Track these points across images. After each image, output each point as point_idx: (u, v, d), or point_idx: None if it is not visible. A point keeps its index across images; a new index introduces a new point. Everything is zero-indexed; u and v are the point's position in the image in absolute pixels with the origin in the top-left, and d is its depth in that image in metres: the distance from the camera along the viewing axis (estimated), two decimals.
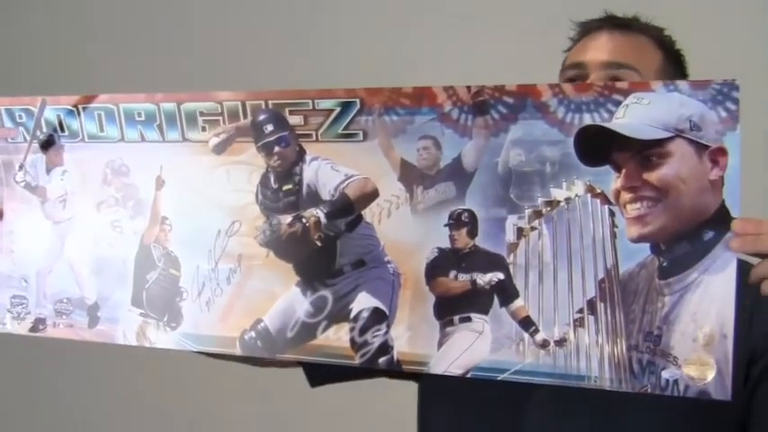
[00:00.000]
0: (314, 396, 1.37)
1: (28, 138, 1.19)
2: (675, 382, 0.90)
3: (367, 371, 1.22)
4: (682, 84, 0.90)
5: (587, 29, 1.19)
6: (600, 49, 1.14)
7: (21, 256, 1.23)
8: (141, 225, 1.15)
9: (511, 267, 0.97)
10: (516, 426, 1.11)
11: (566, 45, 1.21)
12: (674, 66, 1.17)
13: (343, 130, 1.02)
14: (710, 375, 0.88)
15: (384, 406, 1.86)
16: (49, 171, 1.20)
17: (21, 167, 1.21)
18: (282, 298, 1.07)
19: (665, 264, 0.91)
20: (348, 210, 1.03)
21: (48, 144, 1.18)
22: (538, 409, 1.10)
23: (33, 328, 1.22)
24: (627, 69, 1.10)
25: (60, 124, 1.17)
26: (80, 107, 1.15)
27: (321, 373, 1.29)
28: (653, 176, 0.90)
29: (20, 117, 1.19)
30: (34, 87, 1.25)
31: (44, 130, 1.18)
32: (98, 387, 2.56)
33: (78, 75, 2.40)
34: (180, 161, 1.11)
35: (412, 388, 1.27)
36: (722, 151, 0.88)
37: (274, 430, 2.35)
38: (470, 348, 0.97)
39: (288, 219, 1.05)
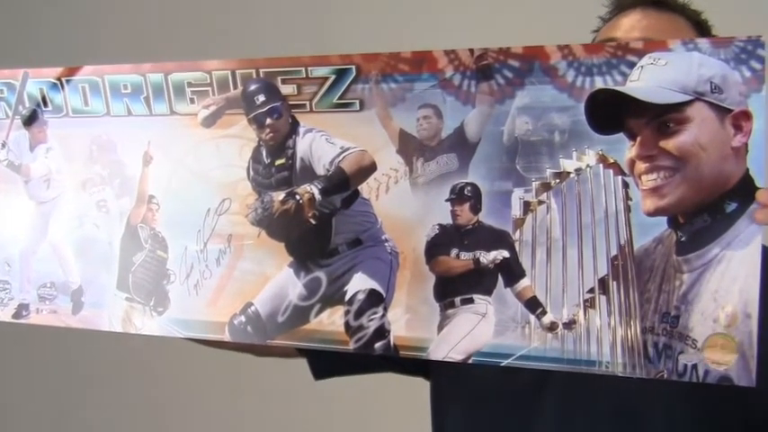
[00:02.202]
0: (322, 392, 1.31)
1: (10, 113, 1.13)
2: (694, 366, 0.83)
3: (374, 364, 1.18)
4: (702, 42, 0.83)
5: (621, 6, 1.14)
6: (632, 27, 1.09)
7: (3, 239, 1.18)
8: (128, 204, 1.10)
9: (517, 244, 0.91)
10: (529, 423, 1.06)
11: (593, 23, 1.16)
12: None
13: (338, 99, 0.96)
14: (733, 359, 0.81)
15: (394, 404, 1.80)
16: (32, 148, 1.14)
17: (3, 145, 1.16)
18: (274, 280, 1.02)
19: (683, 238, 0.85)
20: (344, 185, 0.97)
21: (31, 120, 1.13)
22: (551, 406, 1.04)
23: (17, 315, 1.17)
24: None
25: (44, 98, 1.11)
26: (63, 79, 1.09)
27: (326, 365, 1.23)
28: (670, 144, 0.84)
29: (1, 92, 1.13)
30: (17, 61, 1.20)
31: (27, 105, 1.12)
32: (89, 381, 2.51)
33: (63, 47, 2.34)
34: (168, 135, 1.06)
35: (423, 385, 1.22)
36: (746, 115, 0.82)
37: (278, 427, 2.29)
38: (472, 332, 0.92)
39: (280, 195, 1.00)
